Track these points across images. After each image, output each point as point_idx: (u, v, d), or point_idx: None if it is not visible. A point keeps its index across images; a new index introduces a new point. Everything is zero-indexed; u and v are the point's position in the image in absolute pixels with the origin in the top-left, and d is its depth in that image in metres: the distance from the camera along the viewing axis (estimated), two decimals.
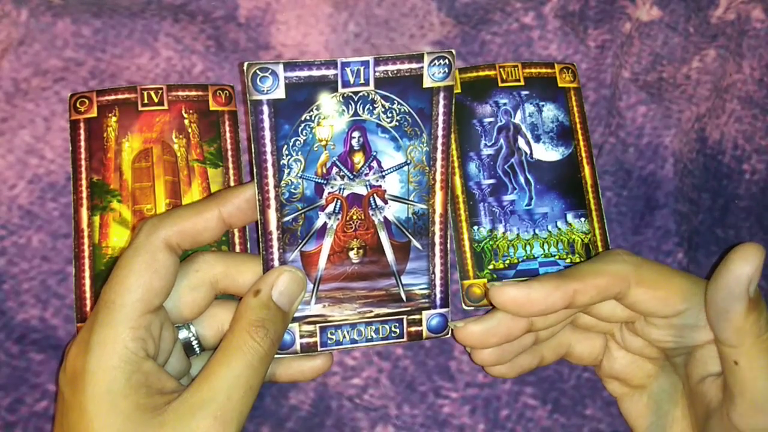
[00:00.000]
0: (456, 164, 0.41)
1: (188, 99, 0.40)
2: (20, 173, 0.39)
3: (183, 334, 0.34)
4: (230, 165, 0.40)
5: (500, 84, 0.42)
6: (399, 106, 0.33)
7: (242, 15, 0.43)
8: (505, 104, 0.42)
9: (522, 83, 0.42)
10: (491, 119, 0.41)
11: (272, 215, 0.33)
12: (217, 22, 0.42)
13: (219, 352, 0.31)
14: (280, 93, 0.31)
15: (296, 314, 0.34)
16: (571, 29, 0.44)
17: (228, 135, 0.40)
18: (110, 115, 0.39)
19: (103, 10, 0.41)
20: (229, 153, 0.40)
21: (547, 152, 0.41)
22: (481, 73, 0.42)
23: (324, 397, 0.39)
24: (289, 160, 0.33)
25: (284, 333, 0.34)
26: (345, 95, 0.32)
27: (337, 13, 0.43)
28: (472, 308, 0.39)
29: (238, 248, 0.39)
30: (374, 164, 0.34)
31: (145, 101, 0.40)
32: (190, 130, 0.40)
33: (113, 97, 0.39)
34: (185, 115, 0.40)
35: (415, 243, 0.35)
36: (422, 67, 0.32)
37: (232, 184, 0.39)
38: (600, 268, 0.33)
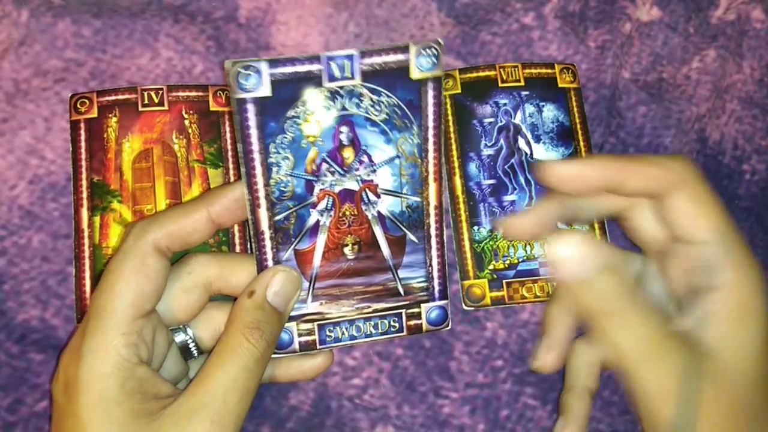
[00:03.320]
0: (456, 164, 0.41)
1: (188, 99, 0.40)
2: (21, 173, 0.39)
3: (180, 337, 0.34)
4: (230, 165, 0.40)
5: (500, 84, 0.42)
6: (387, 99, 0.32)
7: (242, 15, 0.43)
8: (505, 104, 0.42)
9: (522, 83, 0.42)
10: (491, 119, 0.41)
11: (263, 214, 0.33)
12: (218, 22, 0.42)
13: (214, 355, 0.31)
14: (265, 90, 0.31)
15: (293, 313, 0.34)
16: (571, 29, 0.44)
17: (228, 135, 0.40)
18: (110, 115, 0.39)
19: (103, 10, 0.42)
20: (229, 153, 0.40)
21: (548, 152, 0.41)
22: (481, 74, 0.42)
23: (324, 397, 0.39)
24: (277, 158, 0.32)
25: (280, 334, 0.33)
26: (331, 90, 0.32)
27: (337, 14, 0.43)
28: (473, 308, 0.39)
29: (238, 248, 0.39)
30: (364, 159, 0.33)
31: (146, 102, 0.40)
32: (190, 131, 0.40)
33: (113, 97, 0.39)
34: (185, 116, 0.40)
35: (410, 236, 0.35)
36: (409, 58, 0.32)
37: None
38: (658, 160, 0.32)
